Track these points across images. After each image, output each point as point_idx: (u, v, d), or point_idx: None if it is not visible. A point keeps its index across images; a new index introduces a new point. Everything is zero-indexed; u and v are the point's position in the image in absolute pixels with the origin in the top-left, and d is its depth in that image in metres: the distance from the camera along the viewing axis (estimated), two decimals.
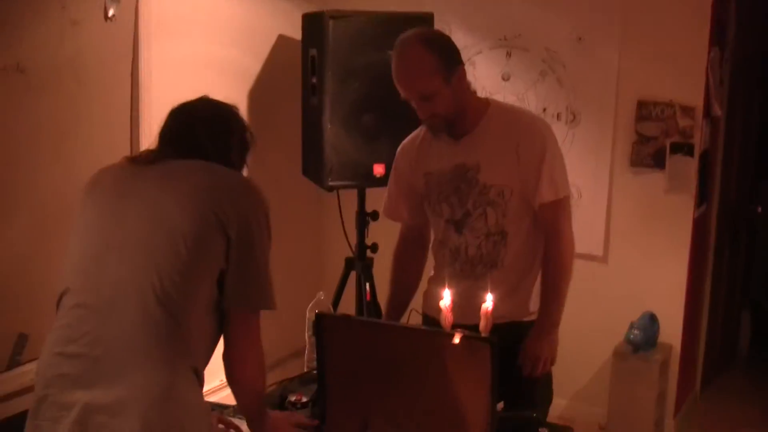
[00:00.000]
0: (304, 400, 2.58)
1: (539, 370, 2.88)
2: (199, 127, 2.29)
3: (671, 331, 4.51)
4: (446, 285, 2.48)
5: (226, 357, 2.20)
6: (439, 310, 2.49)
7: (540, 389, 2.94)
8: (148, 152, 2.29)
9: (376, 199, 4.19)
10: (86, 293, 2.12)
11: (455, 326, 2.37)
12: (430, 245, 3.10)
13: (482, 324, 2.37)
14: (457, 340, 2.32)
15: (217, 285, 2.14)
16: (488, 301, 2.38)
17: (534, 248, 2.91)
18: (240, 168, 2.35)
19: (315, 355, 2.92)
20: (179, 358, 2.06)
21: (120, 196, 2.21)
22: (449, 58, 2.73)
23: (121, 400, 2.00)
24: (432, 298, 3.01)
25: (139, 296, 2.05)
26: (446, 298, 2.42)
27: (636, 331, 4.37)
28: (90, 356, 2.05)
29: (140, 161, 2.26)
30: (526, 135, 2.81)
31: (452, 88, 2.73)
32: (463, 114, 2.80)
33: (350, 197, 4.37)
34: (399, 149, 3.08)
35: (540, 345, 2.87)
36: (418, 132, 3.01)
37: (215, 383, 2.89)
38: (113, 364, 2.03)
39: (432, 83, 2.70)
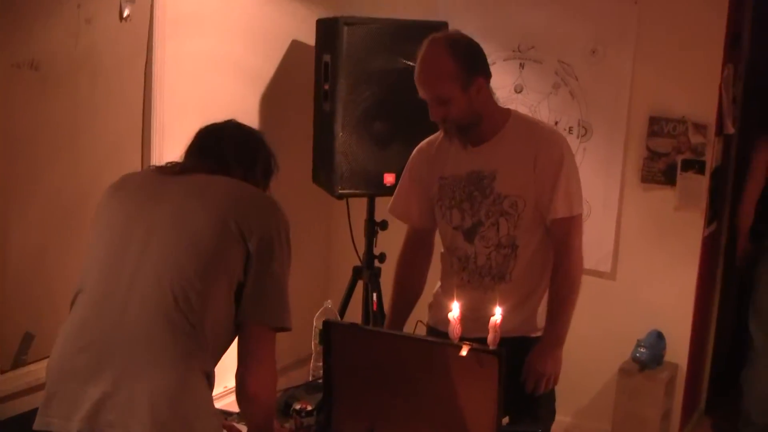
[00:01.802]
0: (309, 408, 2.58)
1: (542, 387, 2.87)
2: (226, 146, 2.35)
3: (678, 349, 4.51)
4: (454, 296, 2.48)
5: (239, 373, 2.20)
6: (445, 322, 2.49)
7: (543, 406, 2.92)
8: (175, 164, 2.33)
9: (386, 208, 4.21)
10: (103, 291, 2.14)
11: (461, 339, 2.37)
12: (440, 254, 3.10)
13: (490, 337, 2.37)
14: (464, 352, 2.33)
15: (235, 298, 2.16)
16: (497, 314, 2.38)
17: (543, 264, 2.91)
18: (264, 188, 2.38)
19: (321, 364, 2.93)
20: (192, 360, 2.08)
21: (145, 199, 2.25)
22: (471, 67, 2.74)
23: (133, 397, 2.02)
24: (438, 310, 3.01)
25: (156, 297, 2.08)
26: (455, 309, 2.42)
27: (642, 349, 4.37)
28: (103, 353, 2.07)
29: (167, 171, 2.30)
30: (544, 146, 2.81)
31: (468, 97, 2.73)
32: (482, 122, 2.81)
33: (359, 206, 4.38)
34: (416, 150, 3.07)
35: (544, 361, 2.85)
36: (437, 135, 3.00)
37: (219, 390, 2.89)
38: (126, 361, 2.05)
39: (449, 88, 2.72)
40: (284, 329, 2.22)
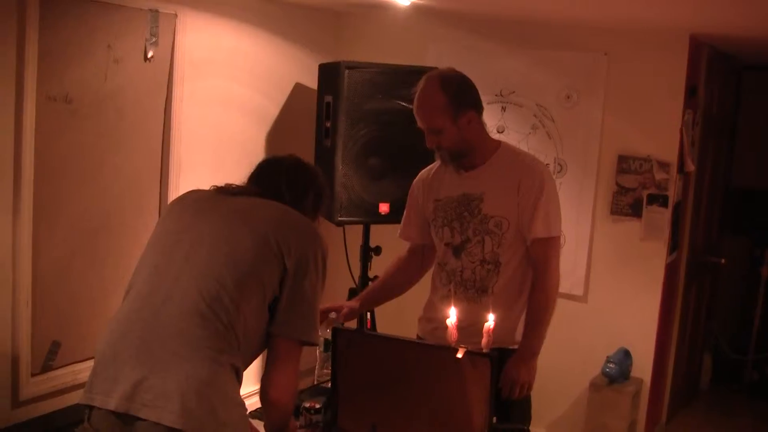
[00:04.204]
0: (318, 406, 2.61)
1: (516, 394, 2.88)
2: (282, 175, 2.42)
3: (643, 365, 4.55)
4: (443, 306, 2.53)
5: (265, 378, 2.26)
6: (431, 335, 2.54)
7: (517, 411, 2.93)
8: (235, 186, 2.41)
9: (380, 234, 4.27)
10: (148, 289, 2.21)
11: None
12: (432, 271, 3.15)
13: (484, 341, 2.42)
14: (460, 355, 2.38)
15: (270, 309, 2.21)
16: (490, 321, 2.43)
17: (523, 280, 2.95)
18: (312, 218, 2.44)
19: (326, 370, 2.97)
20: (222, 355, 2.12)
21: (200, 211, 2.32)
22: (461, 101, 2.82)
23: (166, 383, 2.06)
24: (425, 323, 3.06)
25: (193, 297, 2.13)
26: (452, 316, 2.47)
27: (611, 365, 4.41)
28: (142, 341, 2.12)
29: (224, 191, 2.38)
30: (527, 174, 2.88)
31: (459, 128, 2.82)
32: (474, 150, 2.89)
33: (353, 233, 4.42)
34: (416, 178, 3.16)
35: (518, 371, 2.88)
36: (434, 164, 3.09)
37: (251, 388, 2.92)
38: (161, 351, 2.10)
39: (439, 120, 2.81)
40: (310, 344, 2.27)
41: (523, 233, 2.88)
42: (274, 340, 2.25)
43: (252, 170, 2.47)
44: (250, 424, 2.54)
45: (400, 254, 3.25)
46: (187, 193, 2.46)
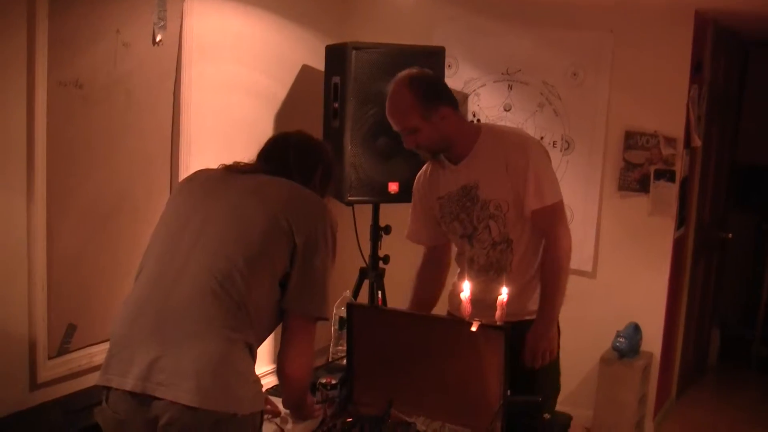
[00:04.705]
0: (334, 382, 2.63)
1: (539, 362, 2.92)
2: (291, 152, 2.41)
3: (652, 340, 4.58)
4: (463, 278, 2.54)
5: (280, 355, 2.27)
6: (458, 310, 2.55)
7: (543, 380, 2.96)
8: (243, 164, 2.40)
9: (389, 214, 4.28)
10: (160, 270, 2.21)
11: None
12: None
13: (498, 314, 2.43)
14: (474, 328, 2.38)
15: (281, 286, 2.22)
16: (503, 293, 2.44)
17: (536, 252, 2.97)
18: (321, 195, 2.42)
19: (340, 347, 2.99)
20: (235, 333, 2.13)
21: (209, 190, 2.32)
22: (429, 98, 2.83)
23: (181, 362, 2.07)
24: (452, 298, 3.09)
25: (205, 276, 2.14)
26: (466, 290, 2.48)
27: (621, 339, 4.44)
28: (156, 321, 2.13)
29: (234, 170, 2.37)
30: (512, 152, 2.89)
31: (432, 125, 2.83)
32: (454, 143, 2.91)
33: (363, 212, 4.44)
34: (415, 181, 3.17)
35: (537, 339, 2.91)
36: (427, 164, 3.10)
37: (267, 368, 2.94)
38: (175, 330, 2.10)
39: (410, 120, 2.83)
40: (322, 319, 2.28)
41: (523, 209, 2.89)
42: (287, 317, 2.26)
43: (261, 147, 2.46)
44: (267, 399, 2.57)
45: (419, 270, 3.23)
46: (196, 172, 2.45)
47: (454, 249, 3.16)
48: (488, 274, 2.96)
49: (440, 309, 3.20)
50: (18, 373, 3.21)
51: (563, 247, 2.92)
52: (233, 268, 2.14)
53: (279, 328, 2.32)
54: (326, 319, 2.30)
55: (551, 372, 3.01)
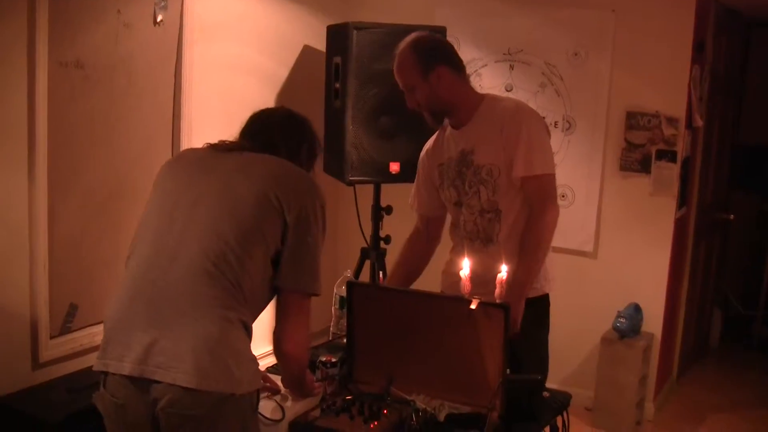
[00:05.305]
0: (334, 360, 2.63)
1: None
2: (276, 128, 2.40)
3: (654, 320, 4.57)
4: (459, 257, 2.52)
5: (276, 333, 2.26)
6: (450, 288, 2.53)
7: (527, 361, 2.82)
8: (229, 142, 2.37)
9: (391, 194, 4.28)
10: (152, 252, 2.19)
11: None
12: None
13: (497, 291, 2.43)
14: (474, 305, 2.38)
15: (273, 263, 2.21)
16: (503, 271, 2.44)
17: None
18: (306, 170, 2.41)
19: (341, 325, 2.99)
20: (231, 312, 2.12)
21: (196, 171, 2.30)
22: (429, 58, 2.88)
23: (178, 344, 2.06)
24: (446, 277, 3.09)
25: (199, 257, 2.12)
26: (465, 268, 2.48)
27: (622, 320, 4.43)
28: (151, 304, 2.12)
29: (220, 148, 2.35)
30: (508, 118, 2.89)
31: (430, 84, 2.87)
32: (456, 108, 2.94)
33: (364, 192, 4.43)
34: (422, 150, 3.18)
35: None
36: (436, 133, 3.12)
37: (265, 350, 2.94)
38: (171, 311, 2.09)
39: (410, 76, 2.89)
40: (315, 294, 2.28)
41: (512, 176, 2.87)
42: (280, 294, 2.25)
43: (244, 124, 2.43)
44: (267, 377, 2.58)
45: (408, 239, 3.23)
46: (182, 152, 2.44)
47: (448, 222, 3.16)
48: (474, 243, 2.94)
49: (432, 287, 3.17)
50: (21, 352, 3.23)
51: (546, 221, 2.84)
52: (226, 247, 2.13)
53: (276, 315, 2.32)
54: (318, 295, 2.29)
55: (535, 352, 2.95)
